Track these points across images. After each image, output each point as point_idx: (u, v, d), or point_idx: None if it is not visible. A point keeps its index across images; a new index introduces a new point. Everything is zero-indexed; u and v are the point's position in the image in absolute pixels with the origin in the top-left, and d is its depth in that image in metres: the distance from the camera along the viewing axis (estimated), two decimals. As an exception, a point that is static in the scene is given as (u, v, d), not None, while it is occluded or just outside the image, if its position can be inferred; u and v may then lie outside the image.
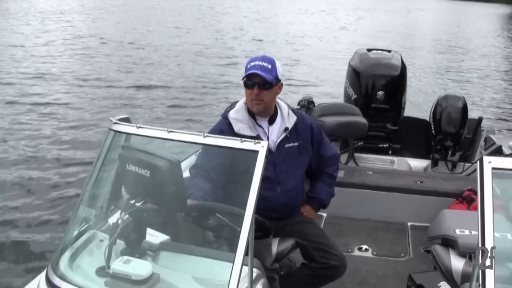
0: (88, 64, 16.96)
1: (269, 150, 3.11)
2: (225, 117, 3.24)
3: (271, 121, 3.27)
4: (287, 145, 3.26)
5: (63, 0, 40.27)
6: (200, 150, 3.16)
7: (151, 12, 35.69)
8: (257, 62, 3.10)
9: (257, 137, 3.13)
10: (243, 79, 3.13)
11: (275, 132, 3.25)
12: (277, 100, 3.29)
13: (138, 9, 37.36)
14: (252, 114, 3.22)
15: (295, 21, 36.20)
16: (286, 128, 3.25)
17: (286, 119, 3.28)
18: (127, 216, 2.29)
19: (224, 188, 2.94)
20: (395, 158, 5.98)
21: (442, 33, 34.77)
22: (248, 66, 3.11)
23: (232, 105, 3.30)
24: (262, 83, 3.08)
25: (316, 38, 27.76)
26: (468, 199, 4.64)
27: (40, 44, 20.12)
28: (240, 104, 3.26)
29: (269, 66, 3.10)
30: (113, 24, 28.26)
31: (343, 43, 25.36)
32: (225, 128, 3.18)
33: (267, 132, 3.24)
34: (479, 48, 28.21)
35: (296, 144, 3.29)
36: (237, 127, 3.16)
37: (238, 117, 3.19)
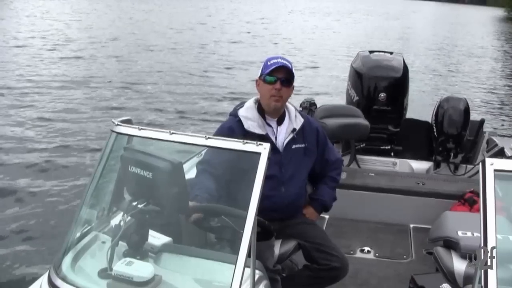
0: (88, 67, 17.01)
1: (276, 150, 3.16)
2: (234, 114, 3.26)
3: (280, 122, 3.29)
4: (294, 146, 3.28)
5: (57, 2, 40.39)
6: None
7: (150, 14, 35.74)
8: (279, 60, 3.17)
9: (266, 136, 3.17)
10: (264, 75, 3.16)
11: (283, 133, 3.27)
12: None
13: (135, 12, 37.42)
14: (261, 113, 3.25)
15: (294, 23, 36.26)
16: (294, 129, 3.27)
17: (294, 120, 3.30)
18: (129, 218, 2.29)
19: (230, 185, 2.95)
20: (397, 160, 5.97)
21: (441, 36, 34.82)
22: (269, 63, 3.16)
23: (241, 104, 3.33)
24: (284, 79, 3.15)
25: (316, 40, 27.79)
26: (470, 201, 4.63)
27: (32, 46, 20.17)
28: (250, 103, 3.28)
29: (290, 65, 3.19)
30: (110, 27, 28.33)
31: (344, 45, 25.38)
32: (235, 125, 3.20)
33: (275, 132, 3.26)
34: (478, 50, 28.22)
35: (302, 145, 3.31)
36: (247, 125, 3.18)
37: (248, 115, 3.21)
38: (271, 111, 3.25)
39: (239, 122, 3.20)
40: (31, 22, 28.30)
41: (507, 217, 2.42)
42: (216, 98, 13.92)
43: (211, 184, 2.88)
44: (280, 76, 3.14)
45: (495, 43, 34.19)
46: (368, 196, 5.01)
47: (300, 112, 3.41)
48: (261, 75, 3.21)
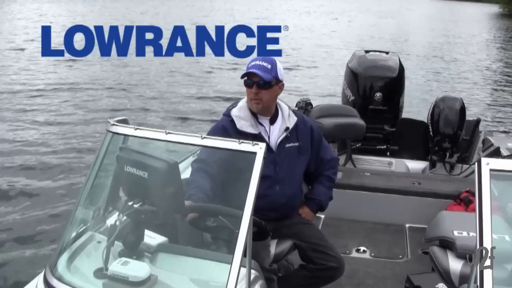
0: (84, 68, 16.98)
1: (270, 149, 3.15)
2: (227, 114, 3.26)
3: (272, 121, 3.29)
4: (288, 145, 3.27)
5: (53, 5, 40.29)
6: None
7: (146, 16, 35.68)
8: (257, 62, 3.14)
9: (259, 135, 3.17)
10: (242, 77, 3.16)
11: (276, 132, 3.27)
12: (278, 101, 3.32)
13: (131, 13, 37.35)
14: (254, 112, 3.24)
15: (290, 23, 36.22)
16: (287, 128, 3.27)
17: (287, 119, 3.29)
18: (125, 217, 2.29)
19: (225, 185, 2.94)
20: (393, 160, 5.97)
21: (436, 34, 34.82)
22: (249, 66, 3.15)
23: (234, 104, 3.33)
24: (260, 83, 3.11)
25: (312, 40, 27.78)
26: (466, 200, 4.64)
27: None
28: (243, 103, 3.28)
29: (269, 66, 3.13)
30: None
31: (340, 44, 25.39)
32: (228, 125, 3.20)
33: (268, 131, 3.25)
34: (474, 48, 28.28)
35: (296, 144, 3.30)
36: (239, 124, 3.18)
37: (240, 114, 3.21)
38: (257, 112, 3.25)
39: (232, 121, 3.20)
40: (27, 25, 28.16)
41: (502, 217, 2.43)
42: (212, 98, 13.89)
43: (206, 183, 2.87)
44: (256, 80, 3.12)
45: (490, 40, 34.23)
46: (364, 196, 5.01)
47: (294, 111, 3.40)
48: (242, 76, 3.19)
